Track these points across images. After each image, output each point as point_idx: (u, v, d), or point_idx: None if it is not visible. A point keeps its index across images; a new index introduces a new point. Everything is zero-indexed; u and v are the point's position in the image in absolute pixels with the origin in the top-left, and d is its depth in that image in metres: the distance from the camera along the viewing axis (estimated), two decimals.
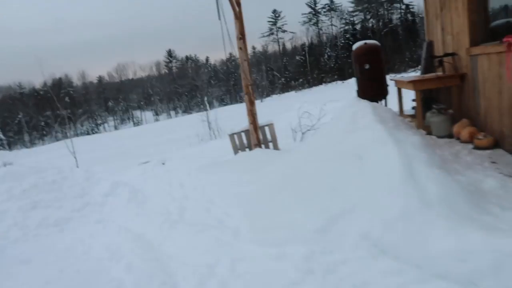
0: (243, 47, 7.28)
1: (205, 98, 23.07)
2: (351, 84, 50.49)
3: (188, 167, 7.46)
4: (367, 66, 5.81)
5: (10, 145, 56.23)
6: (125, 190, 6.21)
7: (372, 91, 5.78)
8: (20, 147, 56.30)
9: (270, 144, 7.88)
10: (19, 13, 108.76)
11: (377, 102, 5.56)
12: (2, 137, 50.76)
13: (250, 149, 7.79)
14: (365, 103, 4.52)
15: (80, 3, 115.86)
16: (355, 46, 6.06)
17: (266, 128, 7.78)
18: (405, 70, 55.58)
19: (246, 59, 7.35)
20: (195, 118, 28.26)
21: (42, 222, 5.54)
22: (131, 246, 3.97)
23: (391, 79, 6.22)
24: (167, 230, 4.19)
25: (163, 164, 8.84)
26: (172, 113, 76.89)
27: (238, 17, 7.11)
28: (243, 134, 7.80)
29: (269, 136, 7.86)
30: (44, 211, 5.79)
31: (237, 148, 7.82)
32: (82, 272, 3.80)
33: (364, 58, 5.85)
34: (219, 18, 6.46)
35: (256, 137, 7.53)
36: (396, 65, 57.34)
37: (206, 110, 21.53)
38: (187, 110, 73.61)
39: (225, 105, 59.97)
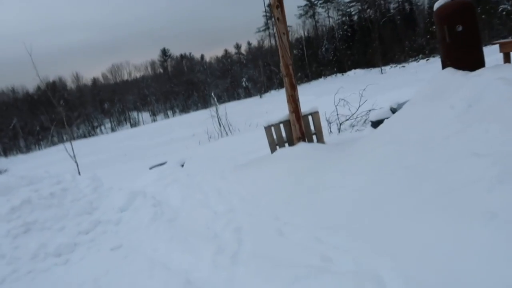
0: (281, 17, 5.84)
1: (212, 93, 21.41)
2: (352, 76, 49.42)
3: (218, 169, 6.05)
4: (459, 28, 4.41)
5: (6, 152, 54.61)
6: (146, 203, 4.78)
7: (470, 59, 4.38)
8: (16, 153, 54.66)
9: (314, 137, 6.49)
10: (9, 17, 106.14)
11: None
12: None
13: (290, 144, 6.39)
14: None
15: (72, 5, 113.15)
16: (438, 4, 4.66)
17: (310, 118, 6.37)
18: (405, 60, 54.49)
19: (285, 32, 5.92)
20: (199, 115, 26.85)
21: (39, 251, 4.11)
22: None
23: (494, 43, 4.83)
24: (228, 269, 2.76)
25: (182, 166, 7.41)
26: (169, 113, 75.14)
27: None
28: (281, 126, 6.38)
29: (312, 128, 6.47)
30: (40, 236, 4.37)
31: (275, 144, 6.41)
32: None
33: (453, 18, 4.46)
34: None
35: (299, 128, 6.12)
36: (396, 55, 56.04)
37: (211, 106, 20.08)
38: (185, 109, 71.92)
39: (222, 102, 58.21)
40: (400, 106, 6.64)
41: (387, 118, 5.86)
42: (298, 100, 6.14)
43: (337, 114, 8.46)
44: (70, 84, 78.37)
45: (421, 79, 19.50)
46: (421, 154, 2.97)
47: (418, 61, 47.76)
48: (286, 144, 6.47)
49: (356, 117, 8.43)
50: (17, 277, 3.75)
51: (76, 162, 10.25)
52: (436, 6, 4.73)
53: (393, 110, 6.85)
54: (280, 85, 65.20)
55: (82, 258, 4.00)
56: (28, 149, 59.16)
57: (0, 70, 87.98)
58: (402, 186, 2.78)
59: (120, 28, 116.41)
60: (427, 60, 45.08)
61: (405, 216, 2.42)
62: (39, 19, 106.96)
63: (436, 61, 39.31)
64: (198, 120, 26.23)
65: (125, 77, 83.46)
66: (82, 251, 4.15)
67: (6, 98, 69.90)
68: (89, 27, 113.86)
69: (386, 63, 51.86)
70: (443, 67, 4.69)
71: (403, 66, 45.28)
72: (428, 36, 53.17)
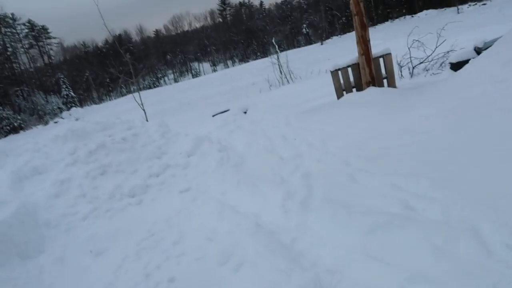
0: None
1: (273, 39, 20.77)
2: (423, 18, 44.91)
3: (282, 116, 5.89)
4: None
5: (81, 103, 58.68)
6: (212, 148, 4.81)
7: None
8: (90, 104, 58.62)
9: (384, 82, 6.02)
10: None
11: None
12: (73, 94, 52.89)
13: (358, 89, 6.00)
14: None
15: None
16: None
17: (381, 60, 5.88)
18: None
19: None
20: (259, 64, 26.42)
21: (115, 192, 4.35)
22: (248, 241, 2.53)
23: None
24: (299, 214, 2.68)
25: (245, 113, 7.35)
26: (229, 62, 75.29)
27: None
28: (349, 70, 5.98)
29: (383, 72, 5.99)
30: (115, 178, 4.61)
31: (342, 89, 6.05)
32: (179, 280, 2.46)
33: None
34: None
35: (369, 72, 5.69)
36: None
37: (271, 54, 19.56)
38: (244, 58, 71.49)
39: (282, 50, 56.31)
40: (487, 45, 5.87)
41: (470, 59, 5.23)
42: (369, 41, 5.66)
43: (410, 57, 7.75)
44: (135, 36, 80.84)
45: (508, 16, 17.24)
46: None
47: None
48: (354, 90, 6.10)
49: (431, 60, 7.67)
50: (97, 215, 4.01)
51: (144, 110, 10.65)
52: None
53: (478, 51, 6.09)
54: (343, 31, 61.77)
55: (154, 199, 4.17)
56: (100, 99, 63.17)
57: (72, 25, 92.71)
58: (501, 131, 2.43)
59: None
60: None
61: (507, 164, 2.12)
62: None
63: None
64: (258, 68, 25.87)
65: (186, 28, 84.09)
66: (153, 192, 4.32)
67: (79, 52, 74.03)
68: None
69: (463, 1, 46.45)
70: None
71: (484, 4, 40.31)
72: None
